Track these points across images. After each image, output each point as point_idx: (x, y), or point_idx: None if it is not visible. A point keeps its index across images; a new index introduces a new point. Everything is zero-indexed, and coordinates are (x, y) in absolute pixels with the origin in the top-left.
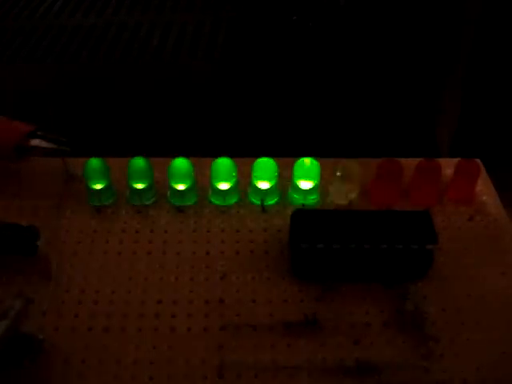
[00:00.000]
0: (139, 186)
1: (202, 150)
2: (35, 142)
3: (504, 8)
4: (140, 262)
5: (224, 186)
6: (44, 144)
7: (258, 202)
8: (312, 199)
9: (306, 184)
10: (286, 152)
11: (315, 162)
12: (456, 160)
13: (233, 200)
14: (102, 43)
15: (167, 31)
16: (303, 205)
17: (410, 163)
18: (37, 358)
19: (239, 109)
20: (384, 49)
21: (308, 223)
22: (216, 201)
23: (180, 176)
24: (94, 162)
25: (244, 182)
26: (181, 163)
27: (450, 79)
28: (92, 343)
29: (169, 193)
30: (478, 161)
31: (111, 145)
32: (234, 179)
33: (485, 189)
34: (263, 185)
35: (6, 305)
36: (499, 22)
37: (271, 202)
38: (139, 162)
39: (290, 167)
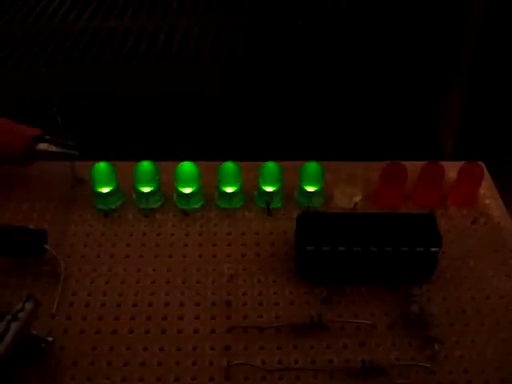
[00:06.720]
0: (146, 189)
1: (208, 154)
2: (43, 146)
3: (506, 10)
4: (147, 265)
5: (230, 189)
6: (51, 148)
7: (264, 205)
8: (317, 202)
9: (310, 188)
10: (290, 156)
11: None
12: (460, 163)
13: (239, 203)
14: (106, 47)
15: (171, 35)
16: (308, 207)
17: (413, 166)
18: (46, 360)
19: (244, 113)
20: (387, 52)
21: (314, 226)
22: (222, 204)
23: (186, 180)
24: (101, 166)
25: (250, 186)
26: (187, 167)
27: (453, 82)
28: (100, 345)
29: (175, 196)
30: (482, 164)
31: (118, 148)
32: (240, 183)
33: (488, 192)
34: (269, 188)
35: (16, 307)
36: (501, 25)
37: (277, 205)
38: (146, 166)
39: (296, 171)
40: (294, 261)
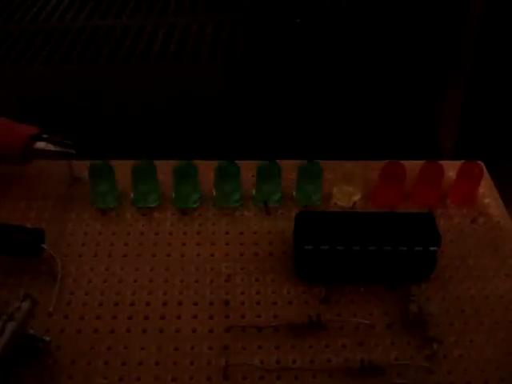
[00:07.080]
0: (144, 188)
1: (207, 153)
2: (40, 144)
3: (506, 10)
4: (145, 264)
5: (228, 188)
6: (49, 147)
7: (262, 204)
8: (316, 201)
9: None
10: (289, 154)
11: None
12: (459, 162)
13: (237, 202)
14: (104, 46)
15: (170, 34)
16: (306, 206)
17: (412, 165)
18: (43, 359)
19: (243, 111)
20: (386, 52)
21: (312, 225)
22: (220, 203)
23: (184, 178)
24: (99, 165)
25: (248, 185)
26: (185, 166)
27: (452, 81)
28: (97, 345)
29: (173, 195)
30: (481, 163)
31: (116, 147)
32: (238, 182)
33: (488, 191)
34: (267, 187)
35: (12, 307)
36: (500, 26)
37: (275, 203)
38: (144, 165)
39: (294, 169)
40: (292, 260)
